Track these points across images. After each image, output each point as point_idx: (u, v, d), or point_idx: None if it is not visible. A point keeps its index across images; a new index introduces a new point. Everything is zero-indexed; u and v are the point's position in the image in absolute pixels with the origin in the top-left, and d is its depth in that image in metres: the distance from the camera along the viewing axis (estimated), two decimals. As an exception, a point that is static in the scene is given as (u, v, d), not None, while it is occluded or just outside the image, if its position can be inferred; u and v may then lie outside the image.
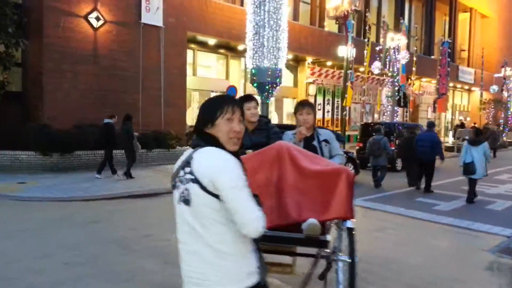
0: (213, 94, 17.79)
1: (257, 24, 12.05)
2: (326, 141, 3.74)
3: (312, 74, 19.92)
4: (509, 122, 30.25)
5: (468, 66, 33.04)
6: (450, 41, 21.99)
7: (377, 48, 17.46)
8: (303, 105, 3.77)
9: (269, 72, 12.06)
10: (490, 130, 20.75)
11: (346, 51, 15.07)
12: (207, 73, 17.89)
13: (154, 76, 14.05)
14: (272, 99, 13.84)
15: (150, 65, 13.90)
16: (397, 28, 20.28)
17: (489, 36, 35.57)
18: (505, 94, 30.43)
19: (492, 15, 35.78)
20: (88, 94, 12.57)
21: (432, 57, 27.89)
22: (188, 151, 1.75)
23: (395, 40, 17.13)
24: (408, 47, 19.22)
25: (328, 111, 22.12)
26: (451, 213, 8.01)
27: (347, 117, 17.10)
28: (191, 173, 1.63)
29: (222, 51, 17.48)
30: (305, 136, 3.64)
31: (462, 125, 26.27)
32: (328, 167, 3.07)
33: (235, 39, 16.06)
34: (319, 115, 21.47)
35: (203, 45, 16.66)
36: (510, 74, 30.24)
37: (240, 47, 17.22)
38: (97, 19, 12.73)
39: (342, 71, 21.89)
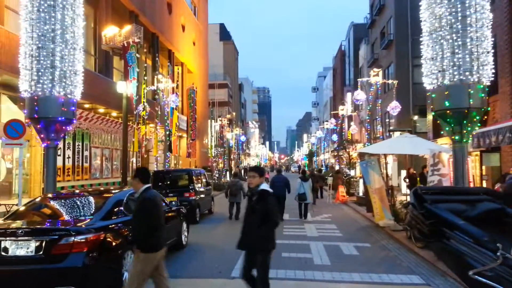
0: None
1: (44, 35, 8.40)
2: None
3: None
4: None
5: (182, 114, 35.35)
6: (196, 89, 22.75)
7: (147, 89, 15.72)
8: None
9: (63, 104, 8.55)
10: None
11: (126, 87, 12.74)
12: None
13: None
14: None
15: None
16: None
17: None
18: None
19: (195, 71, 40.24)
20: None
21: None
22: None
23: (163, 83, 16.03)
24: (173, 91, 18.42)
25: (68, 157, 18.15)
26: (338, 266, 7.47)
27: (134, 166, 14.36)
28: None
29: None
30: None
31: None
32: None
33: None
34: (59, 161, 17.28)
35: None
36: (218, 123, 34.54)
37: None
38: None
39: (85, 111, 18.80)
